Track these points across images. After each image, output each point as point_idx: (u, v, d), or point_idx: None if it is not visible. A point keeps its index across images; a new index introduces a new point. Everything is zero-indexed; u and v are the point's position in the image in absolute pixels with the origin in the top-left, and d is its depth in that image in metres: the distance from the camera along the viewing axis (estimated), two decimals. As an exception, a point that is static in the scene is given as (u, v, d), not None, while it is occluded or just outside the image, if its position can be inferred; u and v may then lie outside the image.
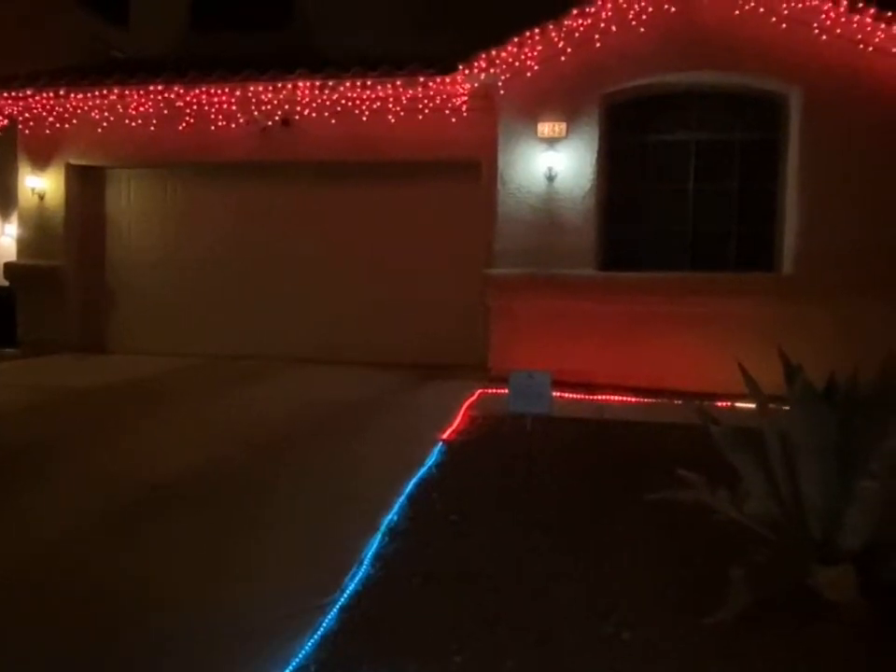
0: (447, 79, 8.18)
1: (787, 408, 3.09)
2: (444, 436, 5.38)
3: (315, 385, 7.69)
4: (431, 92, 8.43)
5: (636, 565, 3.27)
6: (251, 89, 8.73)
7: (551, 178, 7.87)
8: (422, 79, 8.28)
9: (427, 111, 8.59)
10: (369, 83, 8.42)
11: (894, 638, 2.62)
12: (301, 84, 8.55)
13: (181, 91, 8.87)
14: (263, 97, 8.84)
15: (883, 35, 7.06)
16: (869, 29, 7.06)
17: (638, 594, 3.01)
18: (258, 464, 4.76)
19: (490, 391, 6.92)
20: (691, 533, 3.51)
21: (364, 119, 8.74)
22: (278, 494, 4.18)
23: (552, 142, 7.84)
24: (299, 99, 8.77)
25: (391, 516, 3.76)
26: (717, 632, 2.66)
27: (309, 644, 2.56)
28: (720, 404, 6.28)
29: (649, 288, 7.56)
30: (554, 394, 6.47)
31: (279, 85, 8.63)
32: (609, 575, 3.18)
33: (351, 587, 3.02)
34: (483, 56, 7.72)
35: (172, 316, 9.68)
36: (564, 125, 7.79)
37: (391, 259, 9.13)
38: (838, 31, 7.15)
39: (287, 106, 8.90)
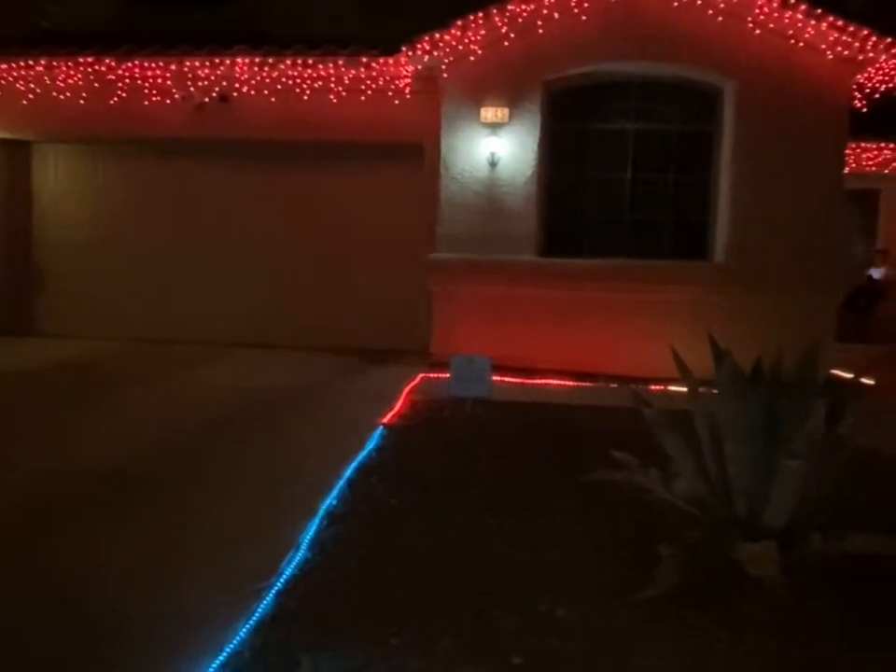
0: (390, 61, 8.09)
1: (716, 391, 3.20)
2: (385, 420, 5.37)
3: (253, 370, 7.56)
4: (374, 73, 8.33)
5: (571, 544, 3.34)
6: (187, 64, 8.44)
7: (493, 164, 7.89)
8: (365, 60, 8.17)
9: (369, 92, 8.49)
10: (310, 62, 8.26)
11: (811, 612, 2.75)
12: (239, 61, 8.33)
13: (112, 63, 8.51)
14: (200, 73, 8.56)
15: (813, 32, 7.31)
16: (800, 25, 7.30)
17: (573, 572, 3.07)
18: (193, 450, 4.66)
19: (432, 376, 6.94)
20: (624, 512, 3.61)
21: (305, 98, 8.58)
22: (214, 480, 4.10)
23: (494, 127, 7.86)
24: (237, 76, 8.54)
25: (330, 500, 3.73)
26: (647, 608, 2.75)
27: (244, 630, 2.53)
28: (654, 388, 6.45)
29: (588, 275, 7.69)
30: (496, 378, 6.57)
31: (216, 61, 8.37)
32: (545, 555, 3.24)
33: (288, 572, 2.99)
34: (427, 39, 7.65)
35: (103, 298, 9.34)
36: (506, 110, 7.81)
37: (333, 241, 9.01)
38: (771, 26, 7.36)
39: (224, 83, 8.65)
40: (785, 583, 2.80)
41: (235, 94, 8.69)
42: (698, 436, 3.24)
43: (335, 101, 8.55)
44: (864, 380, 7.26)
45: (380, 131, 8.47)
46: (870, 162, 10.38)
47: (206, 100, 8.72)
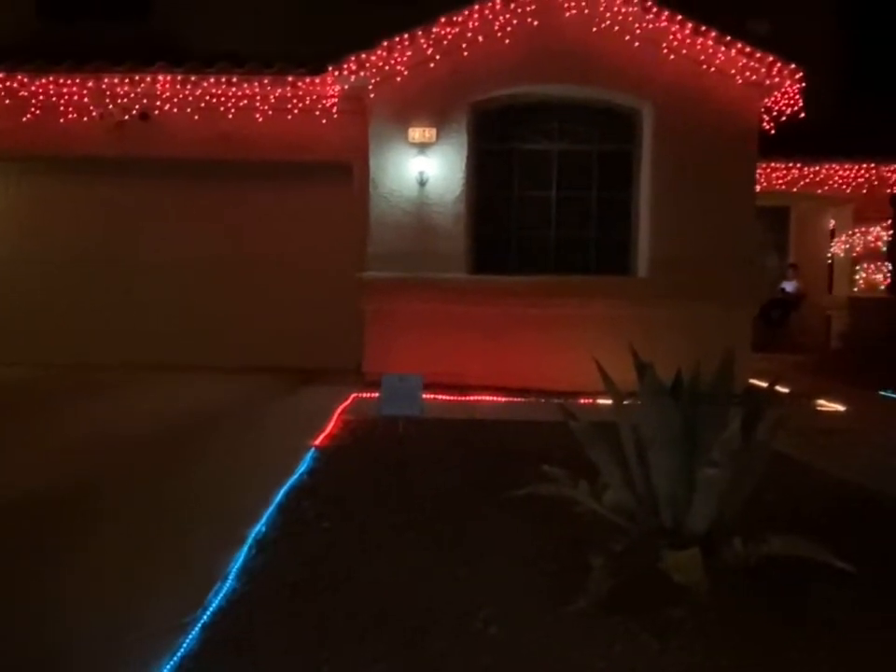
0: (317, 80, 8.09)
1: (639, 403, 3.29)
2: (317, 442, 5.29)
3: (177, 394, 7.32)
4: (301, 93, 8.30)
5: (504, 560, 3.35)
6: (105, 80, 8.22)
7: (422, 183, 7.96)
8: (291, 79, 8.15)
9: (296, 111, 8.44)
10: (234, 80, 8.18)
11: (735, 616, 2.84)
12: (160, 78, 8.17)
13: (25, 80, 8.21)
14: (119, 90, 8.34)
15: (723, 58, 7.69)
16: (711, 51, 7.67)
17: (506, 588, 3.08)
18: (117, 479, 4.46)
19: (365, 395, 6.90)
20: (556, 525, 3.65)
21: (230, 116, 8.47)
22: (138, 510, 3.94)
23: (422, 147, 7.93)
24: (158, 93, 8.35)
25: (259, 527, 3.64)
26: (578, 619, 2.78)
27: (167, 667, 2.43)
28: (583, 401, 6.59)
29: (517, 291, 7.82)
30: (429, 396, 6.56)
31: (136, 78, 8.19)
32: (479, 572, 3.24)
33: (215, 603, 2.89)
34: (353, 59, 7.69)
35: (18, 321, 8.90)
36: (434, 130, 7.90)
37: (263, 261, 8.89)
38: (684, 51, 7.71)
39: (145, 101, 8.45)
40: (709, 588, 2.89)
41: (157, 112, 8.48)
42: (624, 448, 3.32)
43: (261, 119, 8.46)
44: (779, 388, 7.65)
45: (307, 150, 8.43)
46: (779, 181, 10.95)
47: (126, 118, 8.48)
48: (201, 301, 8.90)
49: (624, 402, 3.40)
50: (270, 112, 8.45)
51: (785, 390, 7.79)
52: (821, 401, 7.38)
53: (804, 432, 5.66)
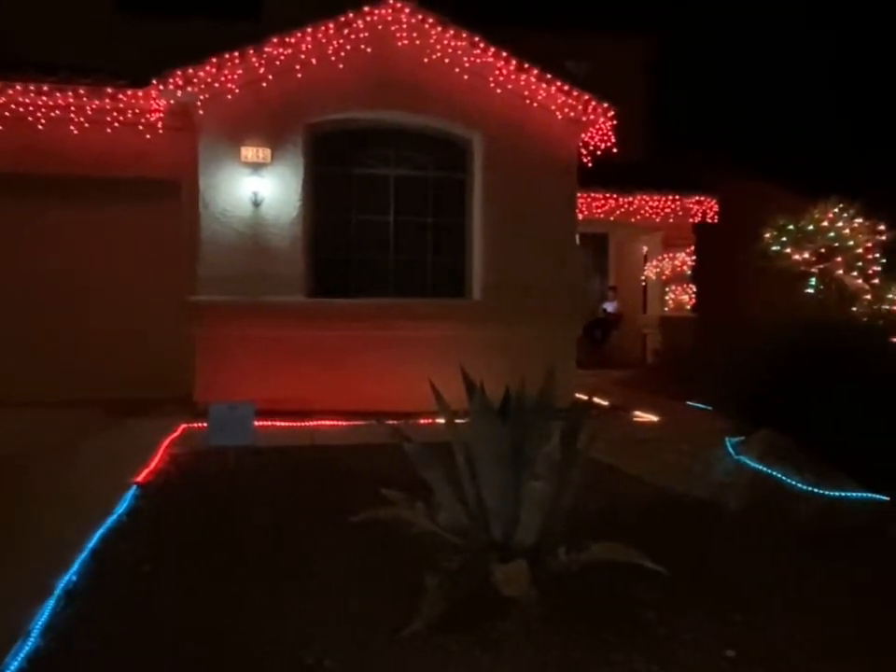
0: (139, 93, 7.67)
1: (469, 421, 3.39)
2: (139, 478, 4.92)
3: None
4: (121, 105, 7.82)
5: (339, 588, 3.30)
6: None
7: (257, 204, 7.76)
8: (110, 90, 7.67)
9: (116, 125, 7.93)
10: (45, 88, 7.55)
11: (560, 624, 2.97)
12: (-45, 83, 7.35)
13: None
14: None
15: (545, 94, 8.22)
16: (534, 87, 8.17)
17: (341, 617, 3.03)
18: None
19: (195, 426, 6.52)
20: (392, 549, 3.65)
21: (40, 127, 7.78)
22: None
23: (256, 167, 7.74)
24: (-47, 99, 7.51)
25: (69, 576, 3.31)
26: (413, 641, 2.79)
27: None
28: (424, 421, 6.68)
29: (356, 315, 7.80)
30: (266, 423, 6.38)
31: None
32: (314, 604, 3.16)
33: (14, 666, 2.59)
34: (179, 73, 7.38)
35: None
36: (268, 151, 7.74)
37: (84, 283, 8.21)
38: (510, 86, 8.15)
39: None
40: (536, 599, 3.01)
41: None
42: (457, 466, 3.40)
43: (76, 132, 7.86)
44: (599, 401, 8.23)
45: (130, 166, 7.94)
46: (599, 210, 11.85)
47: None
48: (11, 330, 8.01)
49: (456, 421, 3.48)
50: (87, 124, 7.87)
51: (605, 403, 8.40)
52: (638, 413, 8.00)
53: (621, 442, 6.11)
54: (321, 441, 6.34)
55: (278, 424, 6.78)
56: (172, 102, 7.68)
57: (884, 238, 9.15)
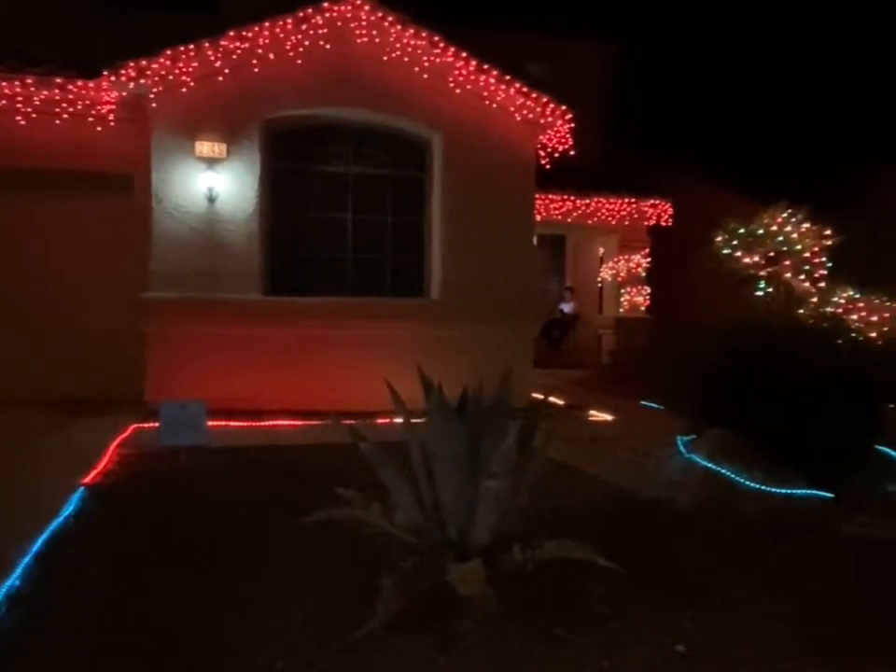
0: (90, 84, 7.49)
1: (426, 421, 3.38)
2: (87, 480, 4.79)
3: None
4: (71, 96, 7.62)
5: (295, 590, 3.26)
6: None
7: (212, 199, 7.63)
8: (59, 80, 7.45)
9: (66, 116, 7.71)
10: (-12, 77, 7.30)
11: (515, 621, 2.99)
12: None
13: None
14: None
15: (504, 96, 8.27)
16: (493, 88, 8.22)
17: (296, 619, 2.99)
18: None
19: (146, 426, 6.38)
20: (349, 549, 3.62)
21: (-18, 117, 7.53)
22: None
23: (211, 162, 7.61)
24: None
25: (12, 581, 3.20)
26: (368, 642, 2.77)
27: None
28: (381, 421, 6.65)
29: (314, 313, 7.73)
30: (220, 423, 6.27)
31: None
32: (268, 606, 3.11)
33: (-50, 677, 2.49)
34: (132, 64, 7.22)
35: None
36: (224, 146, 7.62)
37: (31, 280, 7.97)
38: (469, 87, 8.18)
39: None
40: (492, 597, 3.03)
41: None
42: (414, 465, 3.39)
43: (24, 122, 7.62)
44: (555, 401, 8.33)
45: (80, 159, 7.75)
46: (556, 212, 11.98)
47: None
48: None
49: (413, 421, 3.47)
50: (34, 115, 7.64)
51: (561, 402, 8.49)
52: (593, 412, 8.12)
53: (577, 441, 6.19)
54: (277, 441, 6.26)
55: (233, 424, 6.68)
56: (124, 94, 7.51)
57: (830, 243, 9.45)
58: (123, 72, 7.19)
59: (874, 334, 8.69)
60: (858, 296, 9.39)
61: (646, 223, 12.77)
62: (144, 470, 5.04)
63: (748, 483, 4.56)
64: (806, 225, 9.54)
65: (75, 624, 2.90)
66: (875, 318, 9.03)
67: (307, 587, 3.29)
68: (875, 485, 4.84)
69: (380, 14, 7.78)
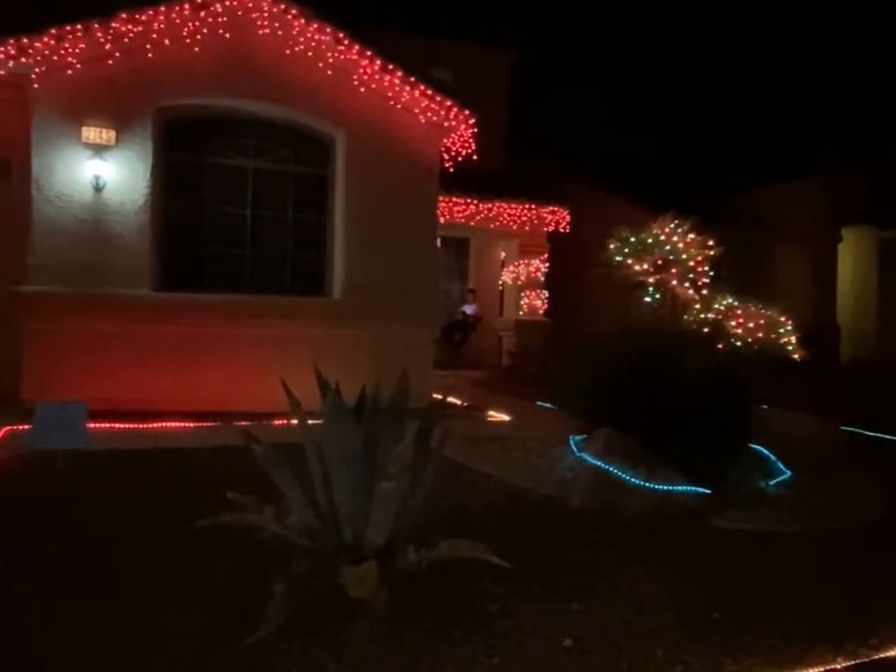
0: (-37, 60, 6.90)
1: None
2: (-49, 487, 4.43)
3: None
4: (-61, 72, 7.00)
5: (181, 600, 3.14)
6: None
7: (99, 188, 7.22)
8: (-75, 54, 6.83)
9: (-68, 92, 7.10)
10: None
11: (407, 622, 3.00)
12: None
13: None
14: None
15: (408, 97, 8.27)
16: (397, 89, 8.20)
17: (184, 630, 2.88)
18: None
19: (22, 427, 5.95)
20: (240, 555, 3.52)
21: None
22: None
23: (99, 149, 7.20)
24: None
25: None
26: (258, 649, 2.71)
27: None
28: (278, 422, 6.50)
29: (209, 311, 7.46)
30: (104, 425, 5.94)
31: None
32: (155, 617, 2.98)
33: None
34: (13, 42, 6.74)
35: None
36: (113, 133, 7.23)
37: None
38: (373, 86, 8.13)
39: None
40: (386, 599, 3.03)
41: None
42: (310, 468, 3.34)
43: None
44: (454, 401, 8.42)
45: (-51, 138, 7.13)
46: (460, 215, 12.13)
47: None
48: None
49: (310, 422, 3.42)
50: None
51: (460, 403, 8.60)
52: (491, 412, 8.26)
53: (474, 440, 6.28)
54: (165, 443, 6.00)
55: (117, 426, 6.33)
56: (2, 72, 6.98)
57: (712, 253, 10.06)
58: (2, 49, 6.70)
59: (750, 339, 9.33)
60: (736, 303, 10.04)
61: (545, 229, 13.13)
62: (17, 476, 4.68)
63: (633, 480, 4.78)
64: (692, 236, 10.12)
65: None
66: (751, 324, 9.70)
67: (196, 595, 3.18)
68: (748, 481, 5.20)
69: (283, 6, 7.61)
